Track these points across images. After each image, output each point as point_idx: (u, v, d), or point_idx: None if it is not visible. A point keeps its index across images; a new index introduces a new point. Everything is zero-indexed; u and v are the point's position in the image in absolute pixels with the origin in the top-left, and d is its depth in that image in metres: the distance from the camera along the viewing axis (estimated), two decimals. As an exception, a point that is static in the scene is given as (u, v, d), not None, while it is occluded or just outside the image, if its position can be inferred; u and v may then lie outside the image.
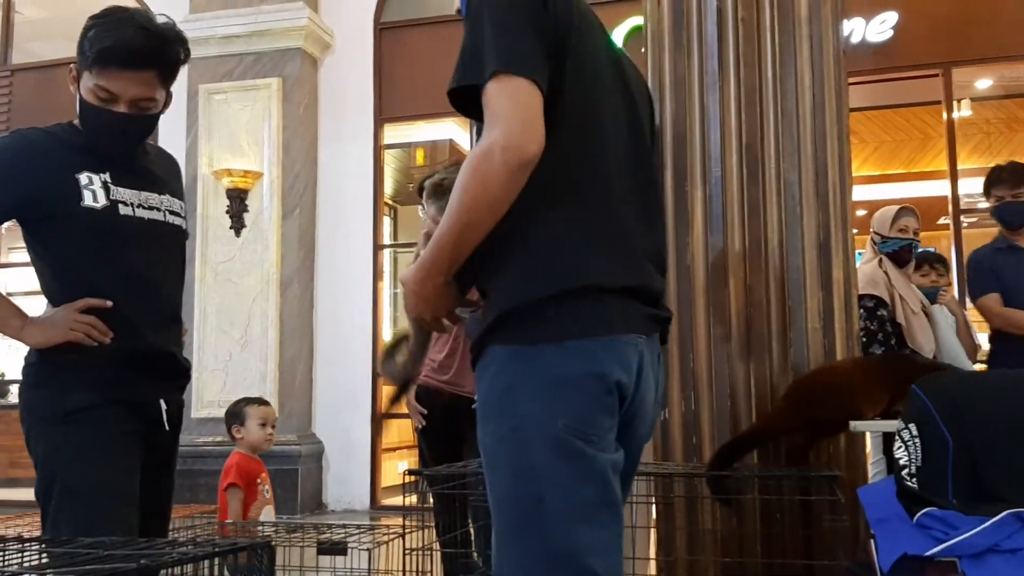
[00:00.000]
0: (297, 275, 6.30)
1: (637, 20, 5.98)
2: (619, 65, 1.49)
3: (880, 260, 3.68)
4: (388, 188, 7.81)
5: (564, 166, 1.36)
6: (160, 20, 1.95)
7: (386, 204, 7.65)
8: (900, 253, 3.69)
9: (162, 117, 2.04)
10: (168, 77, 1.97)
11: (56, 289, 1.96)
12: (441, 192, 2.87)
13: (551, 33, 1.35)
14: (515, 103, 1.28)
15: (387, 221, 7.82)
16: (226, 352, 6.13)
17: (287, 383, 6.18)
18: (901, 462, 2.36)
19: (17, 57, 7.46)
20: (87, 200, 1.91)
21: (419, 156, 8.82)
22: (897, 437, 2.41)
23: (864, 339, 3.48)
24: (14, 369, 9.33)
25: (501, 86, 1.29)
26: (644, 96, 1.55)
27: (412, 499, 2.47)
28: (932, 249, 5.62)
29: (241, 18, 6.32)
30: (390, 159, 7.57)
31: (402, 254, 9.00)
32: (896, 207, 3.77)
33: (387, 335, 8.10)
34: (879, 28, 5.64)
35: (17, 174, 1.90)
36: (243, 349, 6.18)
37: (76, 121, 1.99)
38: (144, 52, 1.89)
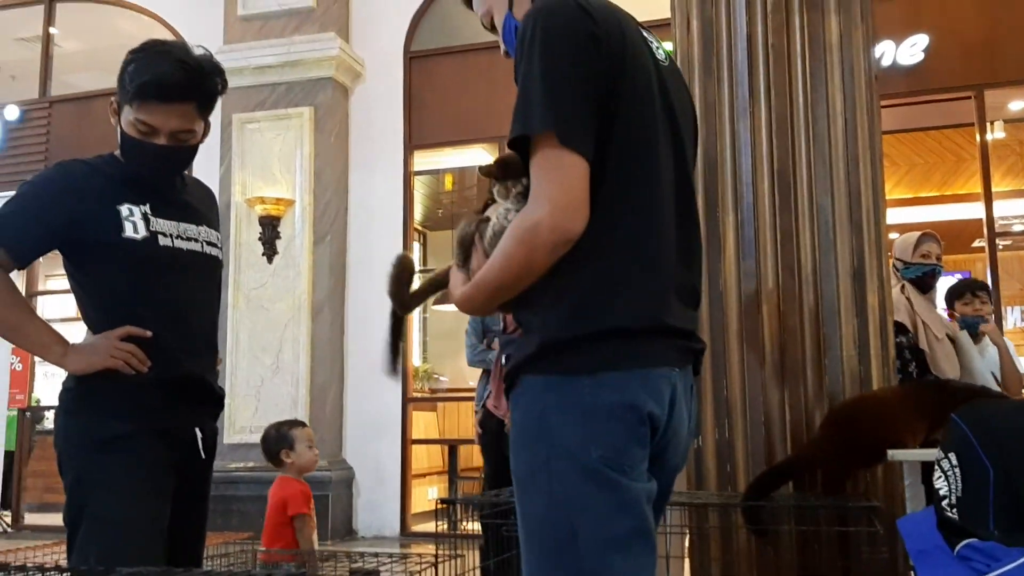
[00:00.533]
0: (328, 301, 6.34)
1: (668, 45, 6.00)
2: (664, 88, 1.46)
3: (903, 286, 3.62)
4: (417, 214, 7.85)
5: (612, 212, 1.37)
6: (197, 52, 1.97)
7: (416, 230, 7.69)
8: (923, 279, 3.64)
9: (196, 146, 2.08)
10: (206, 108, 2.00)
11: (96, 317, 1.98)
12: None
13: (603, 77, 1.35)
14: (562, 182, 1.30)
15: (416, 247, 7.86)
16: (258, 378, 6.18)
17: (318, 409, 6.21)
18: (941, 492, 2.31)
19: (55, 89, 7.64)
20: (128, 231, 1.93)
21: (448, 182, 8.88)
22: (936, 467, 2.37)
23: None
24: (50, 396, 9.44)
25: (550, 158, 1.31)
26: (687, 112, 1.52)
27: (444, 526, 2.47)
28: (967, 273, 5.53)
29: (274, 49, 6.42)
30: (419, 185, 7.63)
31: (432, 280, 9.03)
32: (918, 233, 3.72)
33: (417, 360, 8.12)
34: (910, 51, 5.60)
35: (59, 204, 1.92)
36: (275, 375, 6.22)
37: (117, 152, 2.02)
38: (182, 85, 1.91)
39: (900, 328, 3.47)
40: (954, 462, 2.36)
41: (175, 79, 1.90)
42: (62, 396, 1.98)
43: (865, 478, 2.98)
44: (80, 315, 2.03)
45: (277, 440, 3.61)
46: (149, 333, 1.92)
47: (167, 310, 1.98)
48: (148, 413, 1.92)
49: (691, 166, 1.53)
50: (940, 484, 2.39)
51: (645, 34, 1.49)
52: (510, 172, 1.46)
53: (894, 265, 3.70)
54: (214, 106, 2.03)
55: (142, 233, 1.95)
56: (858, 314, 3.05)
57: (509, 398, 1.45)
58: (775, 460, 2.95)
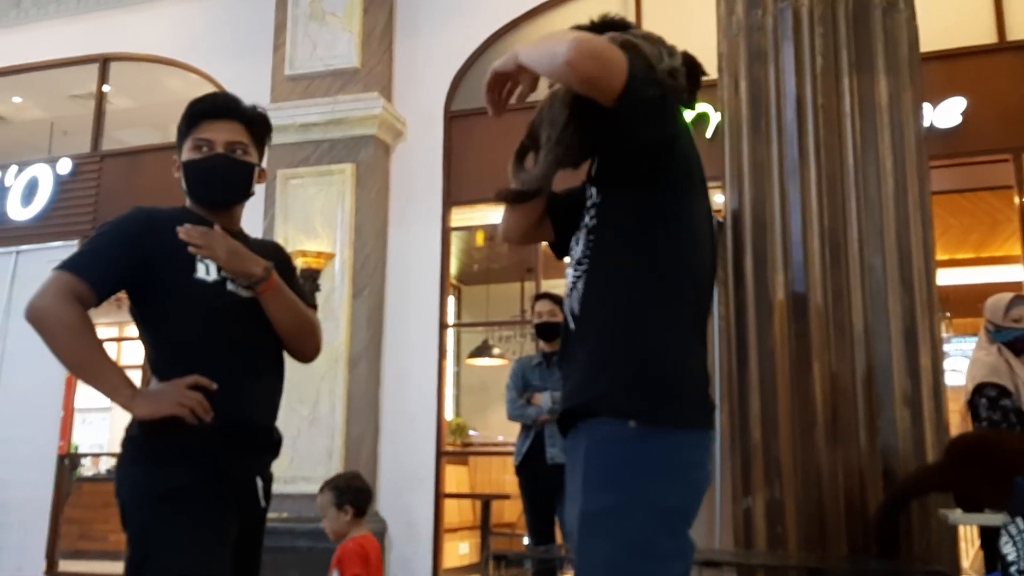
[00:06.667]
0: (365, 353, 6.37)
1: (702, 107, 6.08)
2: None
3: (999, 349, 3.59)
4: (453, 269, 7.92)
5: (683, 275, 1.54)
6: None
7: (451, 284, 7.75)
8: (1016, 343, 3.61)
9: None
10: (254, 132, 2.12)
11: (162, 362, 1.99)
12: None
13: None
14: (599, 50, 1.47)
15: (452, 301, 7.90)
16: (294, 428, 6.18)
17: (352, 461, 6.19)
18: (1009, 558, 2.27)
19: (106, 144, 7.83)
20: (199, 272, 1.97)
21: (479, 238, 8.96)
22: (1004, 532, 2.33)
23: None
24: (87, 443, 9.47)
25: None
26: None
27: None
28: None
29: (319, 107, 6.57)
30: (455, 240, 7.69)
31: (466, 334, 9.07)
32: (1009, 295, 3.70)
33: (450, 414, 8.11)
34: (947, 114, 5.64)
35: (135, 243, 1.97)
36: (311, 426, 6.22)
37: (187, 204, 2.11)
38: (228, 104, 2.10)
39: (1003, 391, 3.43)
40: (1022, 527, 2.32)
41: (221, 100, 2.11)
42: (125, 445, 1.98)
43: (920, 541, 2.93)
44: (146, 361, 2.05)
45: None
46: (215, 386, 1.93)
47: (233, 356, 2.00)
48: (211, 463, 1.92)
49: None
50: (1008, 549, 2.35)
51: None
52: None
53: (986, 328, 3.68)
54: (263, 136, 2.15)
55: (213, 276, 1.99)
56: (911, 375, 3.03)
57: (568, 435, 1.54)
58: (827, 521, 2.91)
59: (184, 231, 1.94)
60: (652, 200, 1.56)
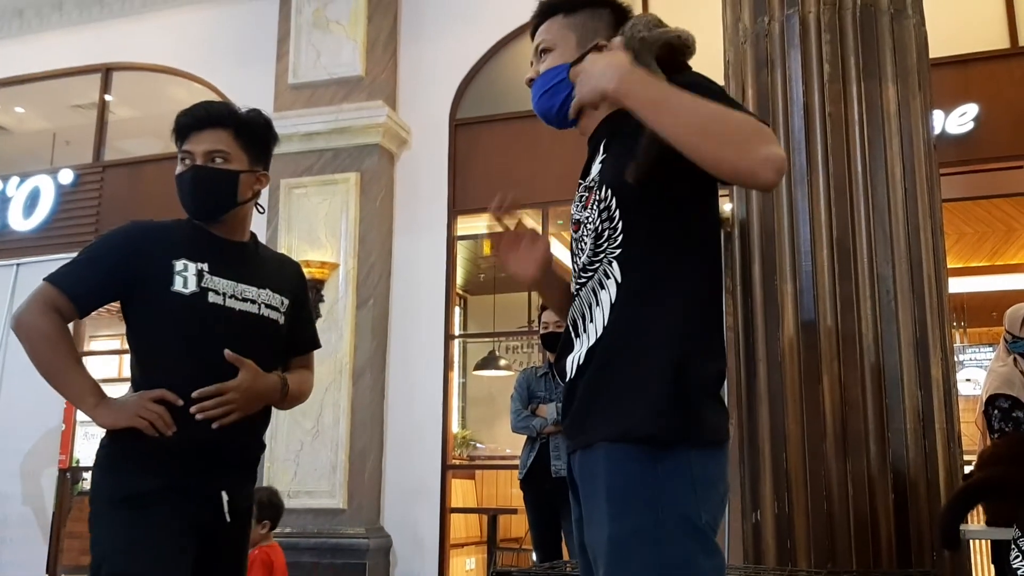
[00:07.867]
0: (369, 365, 6.32)
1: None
2: None
3: (1015, 359, 3.54)
4: (459, 278, 7.87)
5: (712, 279, 1.50)
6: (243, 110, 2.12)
7: (457, 294, 7.70)
8: None
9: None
10: (243, 136, 2.07)
11: (138, 374, 2.02)
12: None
13: None
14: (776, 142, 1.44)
15: (457, 311, 7.85)
16: (297, 442, 6.14)
17: (357, 474, 6.14)
18: (1020, 572, 2.23)
19: (108, 154, 7.82)
20: (176, 285, 1.98)
21: (486, 247, 8.92)
22: (1014, 546, 2.29)
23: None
24: (88, 457, 9.38)
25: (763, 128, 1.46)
26: None
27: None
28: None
29: (322, 116, 6.54)
30: (460, 250, 7.66)
31: (472, 344, 9.01)
32: None
33: (456, 426, 8.05)
34: (959, 120, 5.57)
35: (120, 257, 2.00)
36: (314, 439, 6.17)
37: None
38: (209, 112, 2.06)
39: (1016, 403, 3.39)
40: (1036, 542, 2.25)
41: (203, 110, 2.07)
42: (97, 453, 2.02)
43: (931, 554, 2.86)
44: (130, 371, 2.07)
45: None
46: (181, 402, 1.94)
47: (208, 369, 1.98)
48: (174, 473, 1.93)
49: None
50: (1018, 564, 2.29)
51: None
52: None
53: (1004, 338, 3.64)
54: (258, 139, 2.10)
55: (191, 288, 1.98)
56: (921, 386, 2.97)
57: (580, 452, 1.47)
58: (836, 535, 2.85)
59: (199, 408, 1.95)
60: (694, 208, 1.48)
